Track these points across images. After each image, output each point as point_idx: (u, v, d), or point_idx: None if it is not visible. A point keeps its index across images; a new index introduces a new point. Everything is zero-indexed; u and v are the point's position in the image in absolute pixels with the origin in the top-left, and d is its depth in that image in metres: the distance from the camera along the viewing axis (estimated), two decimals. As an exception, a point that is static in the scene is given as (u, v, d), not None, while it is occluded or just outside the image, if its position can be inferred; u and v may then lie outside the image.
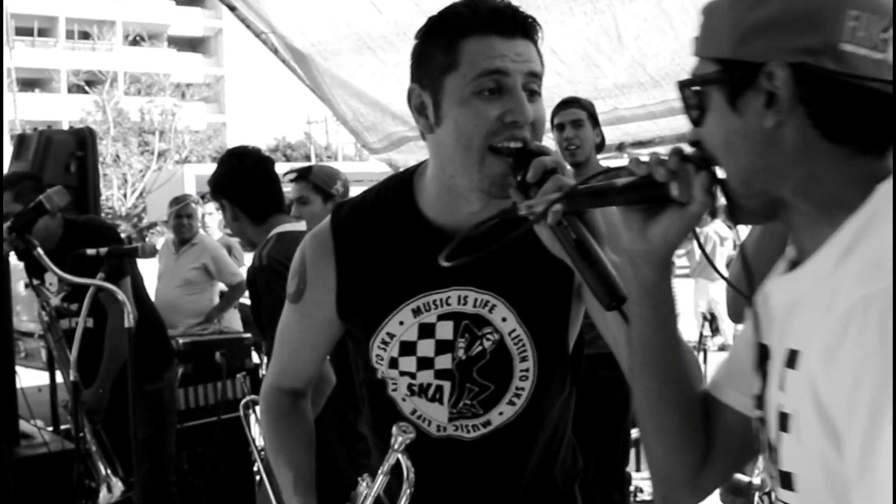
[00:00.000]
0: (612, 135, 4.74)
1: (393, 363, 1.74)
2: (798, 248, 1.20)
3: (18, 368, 5.03)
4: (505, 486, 1.82)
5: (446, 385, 1.73)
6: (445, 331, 1.71)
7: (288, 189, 3.68)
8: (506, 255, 1.50)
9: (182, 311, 6.52)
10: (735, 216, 1.20)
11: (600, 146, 4.42)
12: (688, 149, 1.22)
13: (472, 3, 1.56)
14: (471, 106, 1.52)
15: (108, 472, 3.59)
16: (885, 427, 0.94)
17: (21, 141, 5.67)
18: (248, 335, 5.66)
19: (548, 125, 4.56)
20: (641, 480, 5.80)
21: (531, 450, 1.82)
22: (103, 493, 3.58)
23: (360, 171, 17.59)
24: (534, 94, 1.55)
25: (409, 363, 1.73)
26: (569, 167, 1.47)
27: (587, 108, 4.36)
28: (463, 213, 1.62)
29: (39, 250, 2.95)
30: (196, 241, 6.70)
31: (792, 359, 1.11)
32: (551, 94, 5.37)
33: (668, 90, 4.73)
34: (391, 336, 1.72)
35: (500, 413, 1.75)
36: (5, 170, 4.78)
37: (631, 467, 5.68)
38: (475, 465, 1.80)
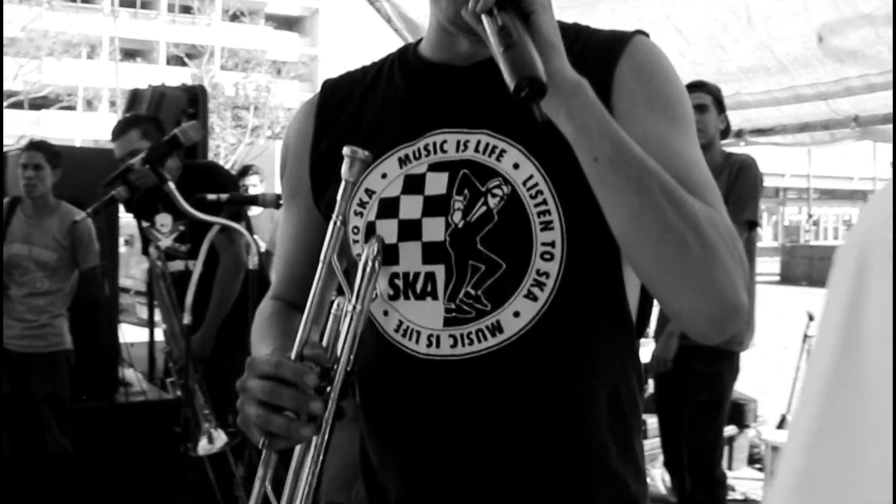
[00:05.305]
0: (731, 120, 4.60)
1: (370, 231, 1.31)
2: None
3: (116, 322, 5.12)
4: (522, 451, 1.27)
5: (439, 270, 1.26)
6: (437, 184, 1.28)
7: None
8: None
9: None
10: None
11: (725, 132, 4.30)
12: None
13: None
14: None
15: (211, 422, 3.56)
16: None
17: (135, 96, 5.74)
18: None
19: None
20: (734, 479, 5.67)
21: (565, 392, 1.27)
22: (203, 443, 3.54)
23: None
24: None
25: (388, 230, 1.29)
26: None
27: (713, 92, 4.23)
28: (458, 52, 1.34)
29: (171, 184, 2.89)
30: None
31: None
32: (671, 75, 5.25)
33: (796, 76, 4.58)
34: (370, 193, 1.32)
35: (516, 314, 1.24)
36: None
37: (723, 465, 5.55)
38: (477, 407, 1.26)
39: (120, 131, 4.15)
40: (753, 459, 6.08)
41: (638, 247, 1.13)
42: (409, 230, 1.28)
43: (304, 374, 1.13)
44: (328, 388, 1.16)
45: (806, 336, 6.15)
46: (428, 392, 1.28)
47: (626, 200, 1.11)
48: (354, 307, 1.20)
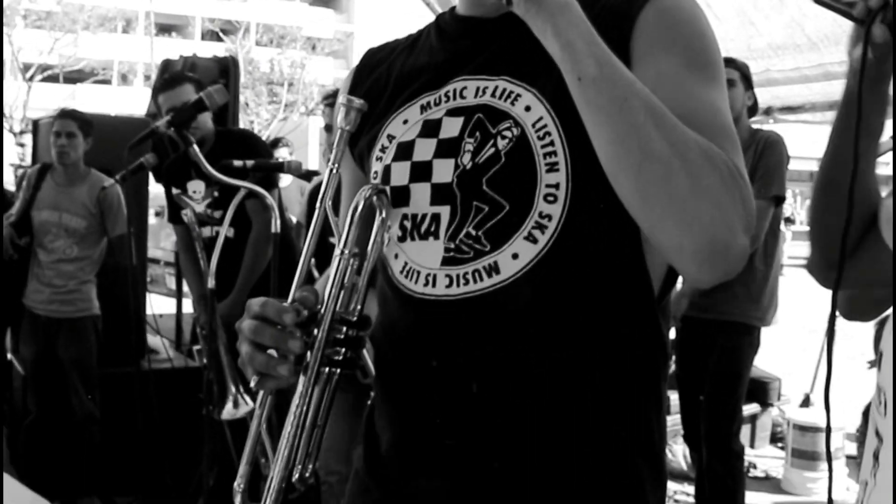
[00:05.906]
0: (760, 98, 4.56)
1: (386, 175, 1.33)
2: None
3: (145, 293, 5.20)
4: (509, 403, 1.24)
5: (445, 211, 1.26)
6: (452, 127, 1.29)
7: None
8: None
9: None
10: None
11: (752, 109, 4.27)
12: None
13: None
14: None
15: (237, 387, 3.56)
16: None
17: (166, 67, 5.78)
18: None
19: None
20: (755, 457, 5.66)
21: (558, 346, 1.23)
22: (228, 407, 3.55)
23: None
24: None
25: (401, 172, 1.31)
26: None
27: (741, 68, 4.21)
28: (487, 4, 1.30)
29: (195, 147, 2.89)
30: None
31: None
32: (701, 51, 5.22)
33: (826, 53, 4.53)
34: (391, 139, 1.35)
35: (515, 256, 1.22)
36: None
37: (745, 443, 5.55)
38: (468, 351, 1.24)
39: (174, 82, 4.11)
40: (776, 438, 6.07)
41: (621, 173, 1.08)
42: (420, 172, 1.29)
43: (284, 312, 1.14)
44: (315, 332, 1.17)
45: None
46: (421, 333, 1.27)
47: (608, 121, 1.07)
48: (343, 252, 1.20)
